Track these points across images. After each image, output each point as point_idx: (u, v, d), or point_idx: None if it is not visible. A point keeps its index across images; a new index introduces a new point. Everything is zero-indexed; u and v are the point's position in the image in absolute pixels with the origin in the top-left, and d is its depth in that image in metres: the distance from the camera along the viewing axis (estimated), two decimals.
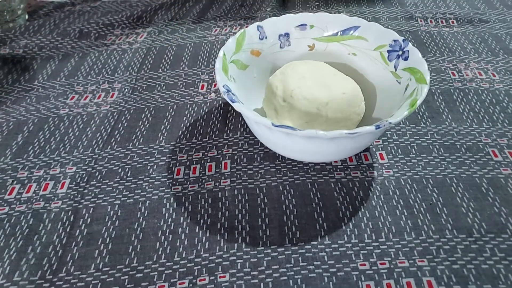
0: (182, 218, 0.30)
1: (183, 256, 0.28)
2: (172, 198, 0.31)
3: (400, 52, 0.32)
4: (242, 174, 0.33)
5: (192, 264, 0.27)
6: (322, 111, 0.29)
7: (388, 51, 0.33)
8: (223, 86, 0.28)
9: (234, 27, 0.51)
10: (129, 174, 0.33)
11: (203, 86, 0.42)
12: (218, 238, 0.28)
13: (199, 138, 0.36)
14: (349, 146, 0.29)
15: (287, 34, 0.35)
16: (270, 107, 0.31)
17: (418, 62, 0.30)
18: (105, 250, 0.28)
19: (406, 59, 0.31)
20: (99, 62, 0.45)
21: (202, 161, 0.34)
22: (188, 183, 0.32)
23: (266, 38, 0.35)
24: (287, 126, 0.25)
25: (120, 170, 0.33)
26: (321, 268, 0.27)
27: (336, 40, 0.35)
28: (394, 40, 0.32)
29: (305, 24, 0.35)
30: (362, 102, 0.32)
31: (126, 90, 0.41)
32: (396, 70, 0.32)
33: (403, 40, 0.32)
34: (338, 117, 0.30)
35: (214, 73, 0.39)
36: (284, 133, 0.26)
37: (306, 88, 0.30)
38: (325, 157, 0.31)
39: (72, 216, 0.30)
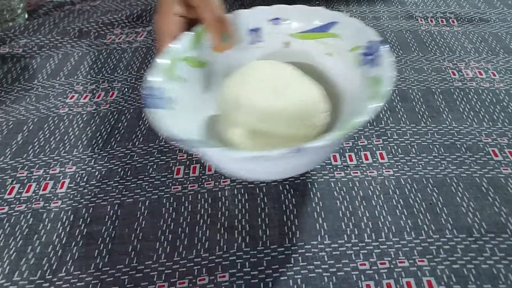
0: (182, 218, 0.30)
1: (183, 256, 0.28)
2: (172, 198, 0.31)
3: (372, 57, 0.27)
4: None
5: (192, 264, 0.27)
6: (275, 119, 0.27)
7: (363, 54, 0.28)
8: (151, 89, 0.26)
9: None
10: (129, 174, 0.33)
11: None
12: (218, 238, 0.28)
13: None
14: (300, 162, 0.25)
15: (257, 29, 0.32)
16: (223, 114, 0.29)
17: (386, 70, 0.25)
18: (104, 250, 0.28)
19: (375, 65, 0.27)
20: (99, 61, 0.45)
21: (202, 161, 0.34)
22: (188, 182, 0.32)
23: None
24: (224, 149, 0.23)
25: (120, 169, 0.33)
26: (321, 268, 0.27)
27: (312, 37, 0.32)
28: (370, 42, 0.28)
29: (279, 18, 0.32)
30: (325, 111, 0.29)
31: (126, 89, 0.41)
32: (365, 76, 0.27)
33: (381, 42, 0.27)
34: (296, 124, 0.27)
35: None
36: (224, 158, 0.24)
37: (261, 96, 0.27)
38: (279, 175, 0.28)
39: (72, 216, 0.30)
